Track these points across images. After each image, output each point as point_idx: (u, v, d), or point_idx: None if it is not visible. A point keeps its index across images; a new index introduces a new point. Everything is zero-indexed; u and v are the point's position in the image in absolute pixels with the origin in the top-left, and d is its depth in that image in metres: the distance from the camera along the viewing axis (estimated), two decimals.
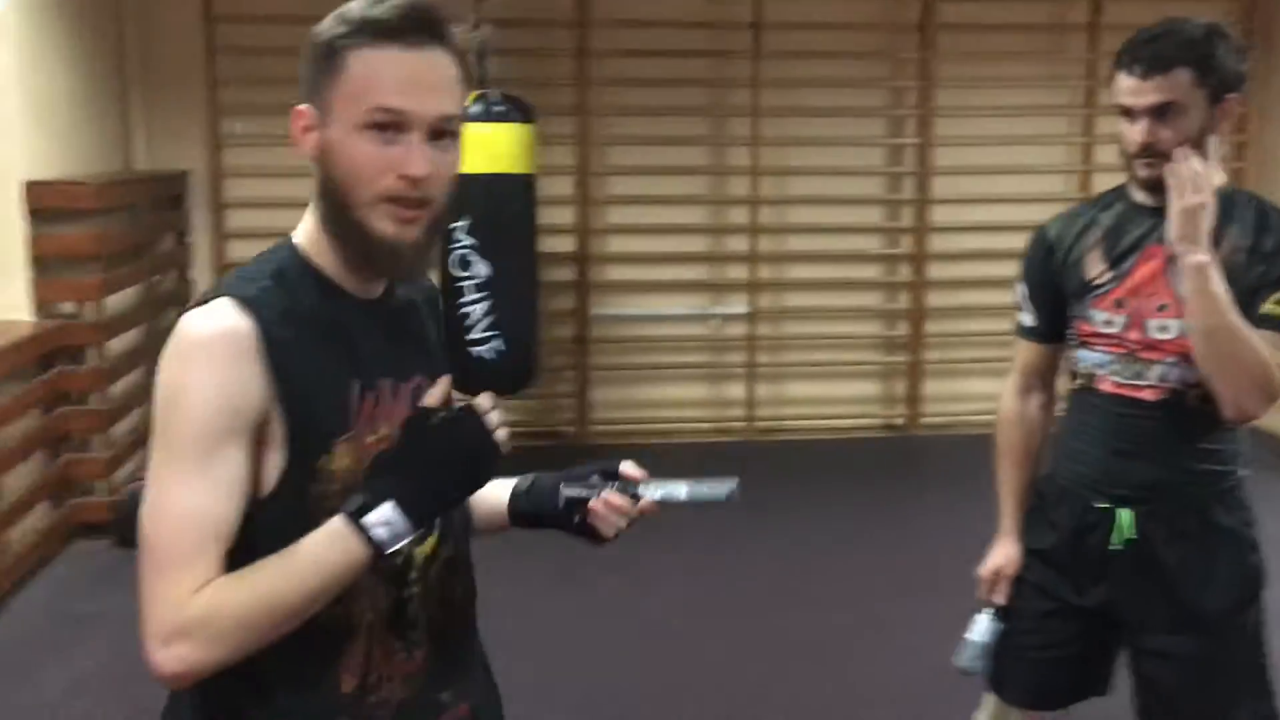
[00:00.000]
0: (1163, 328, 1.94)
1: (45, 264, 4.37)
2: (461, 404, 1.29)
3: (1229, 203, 1.95)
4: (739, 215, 6.01)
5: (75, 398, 4.51)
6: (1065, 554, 2.08)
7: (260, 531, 1.22)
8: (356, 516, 1.19)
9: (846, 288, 6.16)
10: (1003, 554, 2.17)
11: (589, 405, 6.06)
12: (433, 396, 1.29)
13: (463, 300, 4.93)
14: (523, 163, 4.93)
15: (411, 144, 1.22)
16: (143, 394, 4.98)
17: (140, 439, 5.00)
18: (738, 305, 6.08)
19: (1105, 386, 2.01)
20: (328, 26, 1.24)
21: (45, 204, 4.32)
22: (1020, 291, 2.15)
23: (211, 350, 1.20)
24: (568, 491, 1.46)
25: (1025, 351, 2.18)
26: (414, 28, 1.22)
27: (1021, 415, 2.19)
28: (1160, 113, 1.88)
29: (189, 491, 1.18)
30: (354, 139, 1.22)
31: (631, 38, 5.70)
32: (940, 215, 6.01)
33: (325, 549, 1.19)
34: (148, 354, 5.21)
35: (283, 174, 5.63)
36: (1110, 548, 2.02)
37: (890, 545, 4.59)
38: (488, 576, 1.51)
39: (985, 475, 2.24)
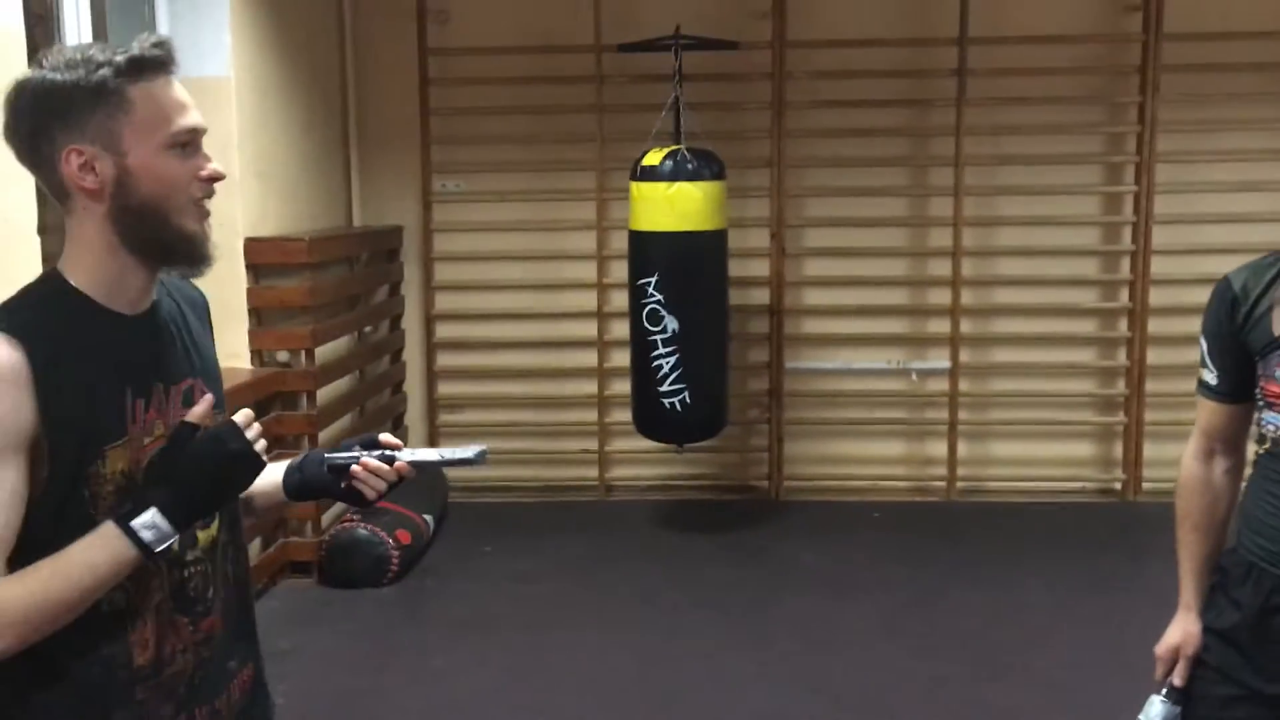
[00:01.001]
0: None
1: (262, 315, 4.67)
2: (223, 420, 1.46)
3: None
4: (940, 267, 5.81)
5: (290, 441, 4.77)
6: (1250, 635, 1.88)
7: (38, 534, 1.36)
8: (124, 521, 1.36)
9: (1057, 343, 5.84)
10: (1181, 630, 1.99)
11: (783, 459, 5.96)
12: (195, 414, 1.44)
13: (654, 353, 4.96)
14: (713, 219, 4.93)
15: (201, 154, 1.44)
16: (344, 435, 5.23)
17: None
18: (939, 360, 5.87)
19: None
20: (86, 72, 1.37)
21: (263, 259, 4.62)
22: (1202, 346, 1.97)
23: None
24: (331, 458, 1.60)
25: (1207, 412, 1.99)
26: (173, 59, 1.42)
27: (1205, 480, 2.00)
28: None
29: None
30: (162, 158, 1.40)
31: (828, 89, 5.64)
32: (1161, 267, 5.63)
33: (97, 551, 1.36)
34: (358, 399, 5.48)
35: (485, 229, 5.89)
36: None
37: (1099, 620, 4.27)
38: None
39: None
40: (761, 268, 5.84)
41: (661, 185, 4.84)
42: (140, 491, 1.39)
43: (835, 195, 5.76)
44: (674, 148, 4.89)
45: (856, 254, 5.80)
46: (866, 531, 5.43)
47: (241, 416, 1.44)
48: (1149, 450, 5.74)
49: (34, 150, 1.40)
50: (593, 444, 6.01)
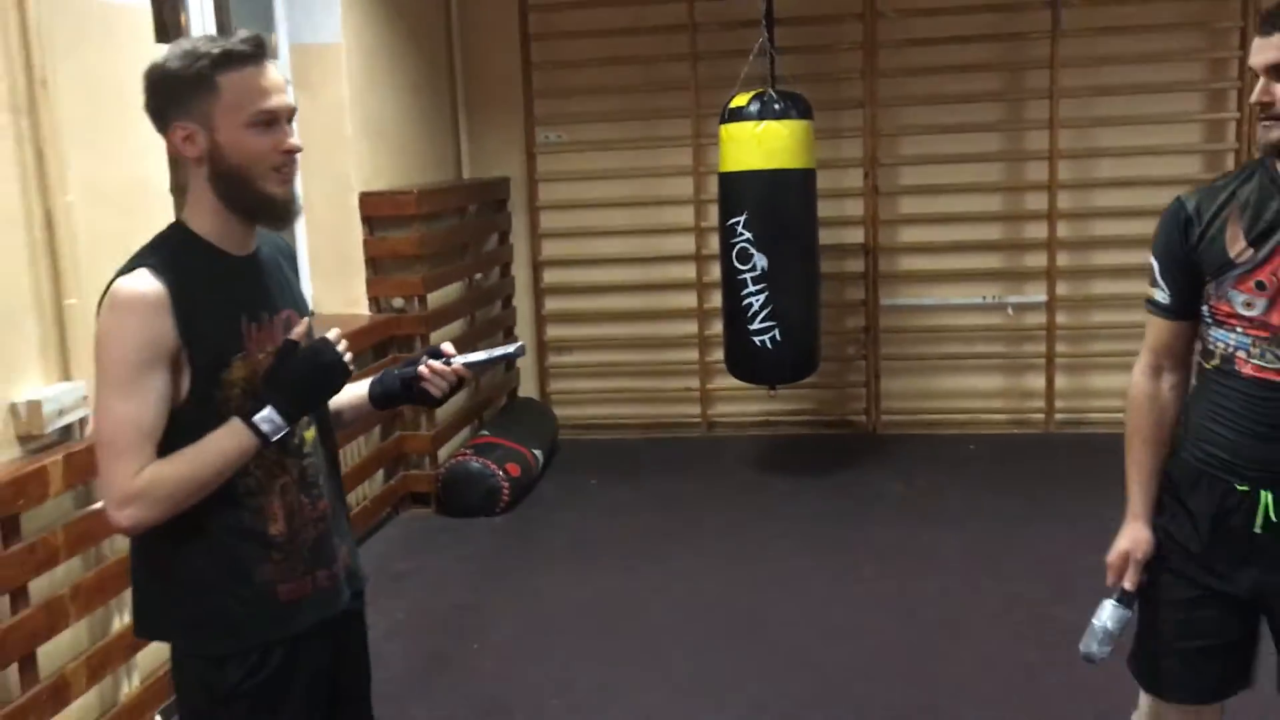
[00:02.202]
0: None
1: (377, 264, 5.01)
2: (320, 337, 1.79)
3: None
4: (1036, 201, 5.83)
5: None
6: (1205, 539, 2.00)
7: (183, 428, 1.71)
8: (247, 417, 1.71)
9: None
10: (1130, 538, 2.10)
11: (881, 395, 6.10)
12: (296, 333, 1.78)
13: (744, 291, 5.14)
14: (801, 158, 5.06)
15: (284, 129, 1.73)
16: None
17: (460, 421, 5.60)
18: (1036, 294, 5.90)
19: (1244, 369, 1.92)
20: (187, 63, 1.68)
21: (377, 212, 4.95)
22: (1153, 266, 2.05)
23: (134, 306, 1.66)
24: (399, 371, 1.95)
25: (1156, 330, 2.08)
26: (261, 52, 1.71)
27: (1153, 396, 2.09)
28: (1277, 71, 1.79)
29: (125, 406, 1.66)
30: (245, 135, 1.70)
31: (920, 26, 5.69)
32: None
33: (227, 440, 1.71)
34: (470, 342, 5.81)
35: (586, 177, 6.13)
36: (1253, 530, 1.94)
37: None
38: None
39: None
40: (856, 207, 5.95)
41: (749, 125, 4.99)
42: (258, 394, 1.73)
43: (928, 133, 5.83)
44: (760, 90, 5.03)
45: (951, 191, 5.86)
46: (961, 464, 5.55)
47: (333, 334, 1.80)
48: None
49: (157, 123, 1.75)
50: (694, 382, 6.25)
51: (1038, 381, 5.97)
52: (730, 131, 5.07)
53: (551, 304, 6.38)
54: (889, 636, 3.74)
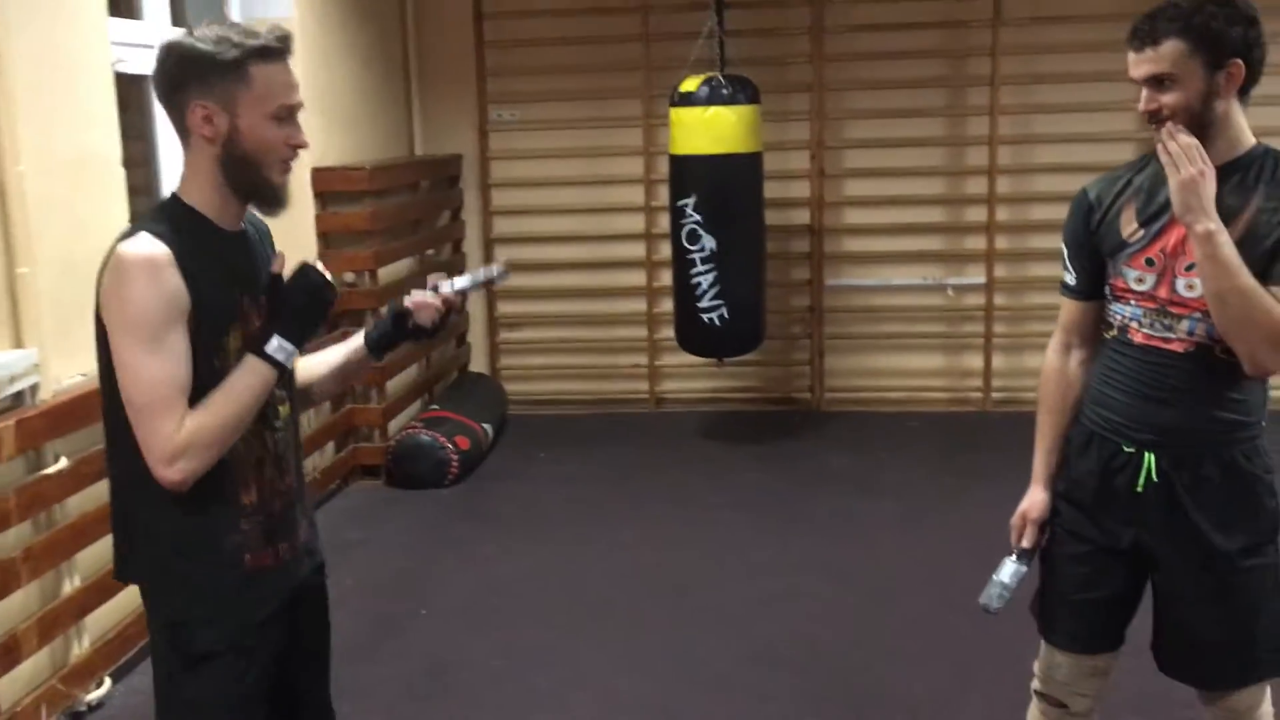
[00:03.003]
0: (1190, 285, 2.00)
1: (329, 238, 5.07)
2: (300, 262, 1.87)
3: (1255, 163, 2.00)
4: (977, 185, 5.99)
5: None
6: (1093, 496, 2.15)
7: (199, 382, 1.77)
8: (259, 350, 1.79)
9: None
10: (1029, 500, 2.26)
11: (824, 372, 6.25)
12: (276, 267, 1.88)
13: (693, 270, 5.26)
14: (748, 141, 5.18)
15: (295, 125, 1.82)
16: (413, 355, 5.65)
17: (410, 395, 5.68)
18: (975, 275, 6.07)
19: (1136, 338, 2.08)
20: (223, 49, 1.74)
21: (328, 187, 5.00)
22: (1064, 252, 2.22)
23: (146, 266, 1.71)
24: (388, 309, 2.02)
25: (1067, 309, 2.25)
26: (289, 49, 1.81)
27: (1061, 371, 2.25)
28: (1157, 83, 1.96)
29: (156, 363, 1.71)
30: (265, 125, 1.77)
31: (866, 12, 5.81)
32: None
33: (249, 376, 1.79)
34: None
35: (538, 156, 6.21)
36: (1136, 489, 2.09)
37: None
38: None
39: None
40: (802, 189, 6.08)
41: (698, 110, 5.10)
42: (261, 330, 1.82)
43: (874, 117, 5.97)
44: (710, 74, 5.14)
45: (895, 174, 6.00)
46: (901, 440, 5.71)
47: (310, 258, 1.89)
48: None
49: (170, 96, 1.79)
50: (643, 359, 6.36)
51: (976, 361, 6.15)
52: (680, 115, 5.17)
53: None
54: (823, 601, 3.88)
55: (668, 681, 3.38)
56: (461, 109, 6.23)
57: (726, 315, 5.24)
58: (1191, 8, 1.96)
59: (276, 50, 1.78)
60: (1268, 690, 2.21)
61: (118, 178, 3.54)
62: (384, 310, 2.03)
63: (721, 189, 5.17)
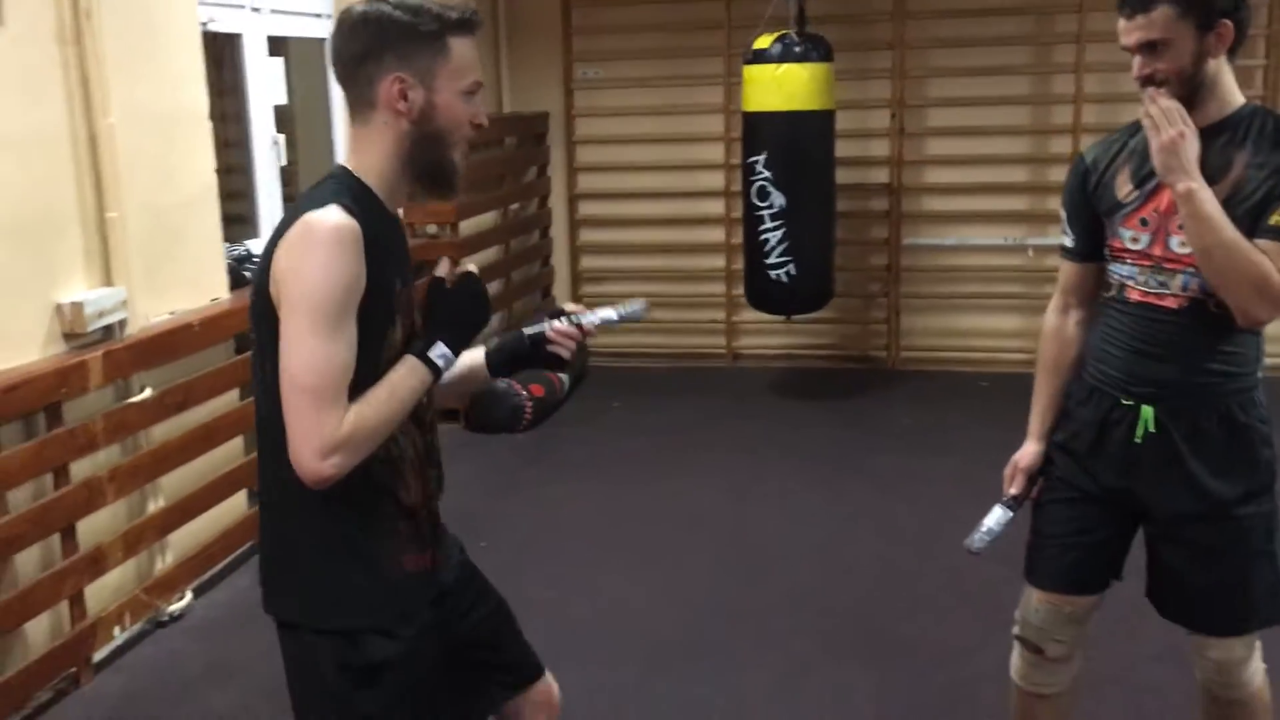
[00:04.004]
0: (1182, 243, 2.04)
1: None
2: (462, 270, 1.79)
3: (1244, 122, 2.02)
4: (1060, 145, 5.91)
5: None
6: (1088, 446, 2.21)
7: (358, 376, 1.63)
8: (422, 353, 1.69)
9: None
10: (1022, 451, 2.34)
11: (901, 332, 6.27)
12: (441, 271, 1.79)
13: (762, 228, 5.34)
14: (819, 99, 5.22)
15: (478, 102, 1.73)
16: (496, 303, 5.86)
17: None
18: (1058, 236, 5.98)
19: (1133, 295, 2.12)
20: (423, 20, 1.66)
21: None
22: (1062, 215, 2.28)
23: (336, 240, 1.58)
24: (528, 331, 1.88)
25: (1066, 271, 2.31)
26: (481, 24, 1.75)
27: (1060, 330, 2.31)
28: (1150, 48, 1.99)
29: (333, 348, 1.57)
30: (458, 101, 1.70)
31: None
32: None
33: (410, 377, 1.67)
34: (504, 269, 6.09)
35: (622, 113, 6.34)
36: (1134, 440, 2.14)
37: None
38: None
39: None
40: (882, 147, 6.09)
41: (770, 67, 5.16)
42: (423, 333, 1.73)
43: (955, 75, 5.93)
44: (783, 32, 5.19)
45: (976, 133, 5.97)
46: (971, 399, 5.72)
47: (471, 266, 1.81)
48: None
49: (358, 67, 1.67)
50: (721, 315, 6.47)
51: None
52: (752, 73, 5.24)
53: (586, 235, 6.63)
54: (864, 551, 3.98)
55: (700, 617, 3.53)
56: (548, 67, 6.39)
57: (795, 272, 5.32)
58: None
59: (473, 24, 1.71)
60: (1258, 647, 2.26)
61: (205, 130, 3.79)
62: (525, 332, 1.88)
63: (791, 146, 5.23)
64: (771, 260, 5.34)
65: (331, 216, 1.59)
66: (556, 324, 1.87)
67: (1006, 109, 5.94)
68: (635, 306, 1.94)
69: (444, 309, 1.75)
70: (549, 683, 2.07)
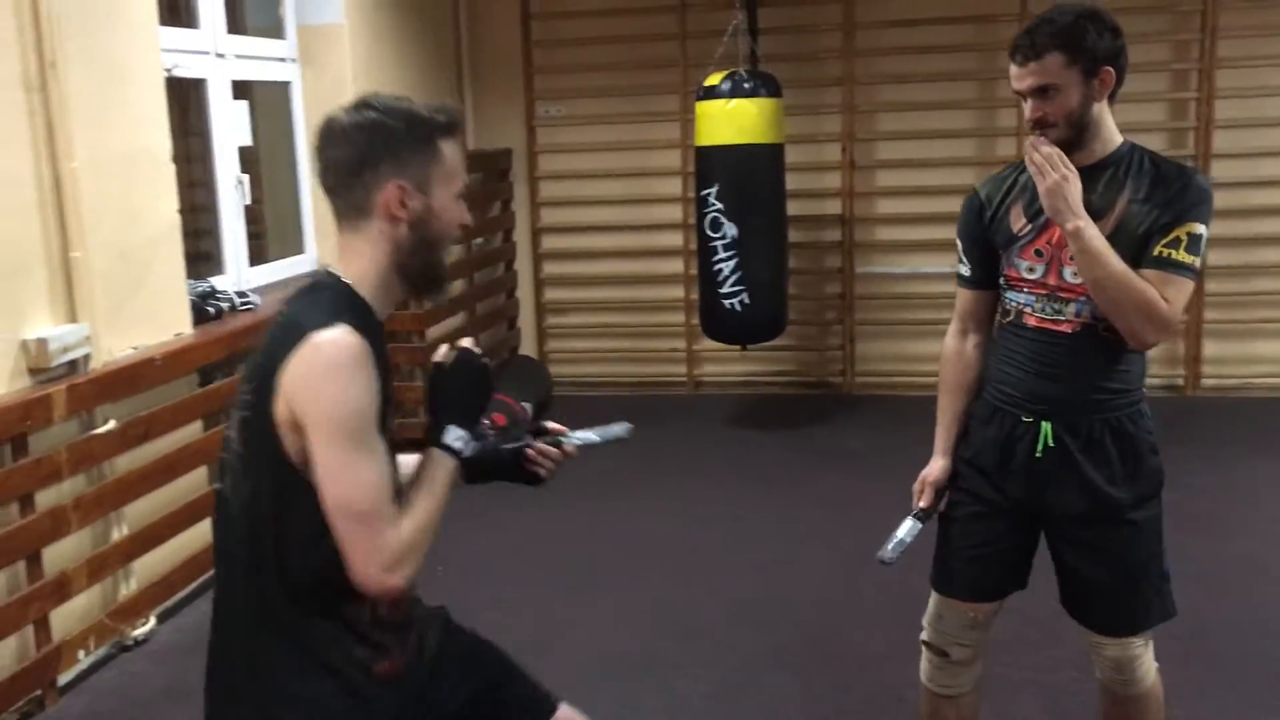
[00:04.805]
0: (1075, 273, 2.20)
1: None
2: (459, 349, 1.79)
3: (1124, 160, 2.21)
4: None
5: (401, 336, 5.56)
6: (995, 462, 2.37)
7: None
8: (438, 442, 1.71)
9: None
10: (930, 467, 2.50)
11: (856, 358, 6.45)
12: (439, 356, 1.80)
13: (715, 258, 5.51)
14: (769, 133, 5.41)
15: (463, 204, 1.76)
16: (456, 334, 6.00)
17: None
18: None
19: (1030, 321, 2.29)
20: (410, 125, 1.65)
21: None
22: (959, 246, 2.44)
23: (354, 363, 1.58)
24: (507, 446, 1.93)
25: (963, 298, 2.47)
26: (462, 127, 1.76)
27: (959, 353, 2.48)
28: (1041, 93, 2.16)
29: (376, 466, 1.59)
30: (452, 205, 1.72)
31: (896, 8, 5.99)
32: (1220, 170, 5.79)
33: (437, 470, 1.70)
34: (470, 301, 6.25)
35: (583, 149, 6.52)
36: (1036, 455, 2.31)
37: None
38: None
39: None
40: (834, 180, 6.28)
41: (720, 102, 5.35)
42: (431, 420, 1.74)
43: (904, 110, 6.14)
44: (732, 69, 5.38)
45: (924, 165, 6.18)
46: (922, 424, 5.79)
47: (467, 342, 1.80)
48: (1208, 348, 5.97)
49: (353, 175, 1.65)
50: (681, 344, 6.64)
51: None
52: (704, 108, 5.43)
53: (550, 268, 6.80)
54: (810, 568, 4.13)
55: (645, 632, 3.68)
56: (511, 105, 6.58)
57: (748, 301, 5.48)
58: (1065, 23, 2.16)
59: (458, 126, 1.71)
60: (1151, 645, 2.41)
61: (168, 173, 3.93)
62: (503, 447, 1.92)
63: (743, 178, 5.41)
64: (725, 290, 5.51)
65: (344, 338, 1.58)
66: (539, 444, 1.93)
67: (953, 141, 6.15)
68: (617, 429, 1.98)
69: (447, 392, 1.76)
70: (570, 713, 2.02)
